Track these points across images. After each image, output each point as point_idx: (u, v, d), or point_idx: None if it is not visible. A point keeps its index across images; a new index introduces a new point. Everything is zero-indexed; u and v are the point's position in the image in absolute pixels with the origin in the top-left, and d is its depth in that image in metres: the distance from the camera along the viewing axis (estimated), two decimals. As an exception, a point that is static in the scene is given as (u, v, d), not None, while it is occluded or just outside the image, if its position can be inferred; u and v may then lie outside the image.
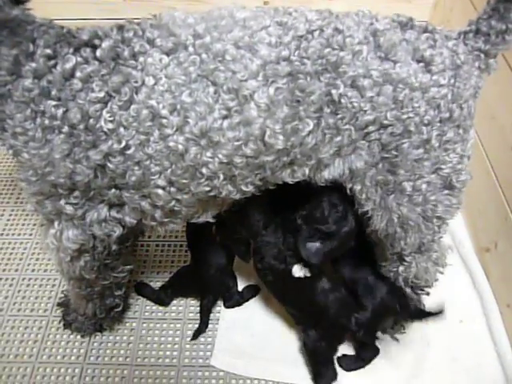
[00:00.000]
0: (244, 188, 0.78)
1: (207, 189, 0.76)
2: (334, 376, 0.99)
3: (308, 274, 0.93)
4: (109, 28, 0.71)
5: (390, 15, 0.75)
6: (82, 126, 0.68)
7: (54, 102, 0.67)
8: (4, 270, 1.18)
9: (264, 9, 0.73)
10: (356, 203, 0.83)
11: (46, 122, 0.67)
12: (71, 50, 0.68)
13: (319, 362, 1.00)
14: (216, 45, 0.68)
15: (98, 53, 0.68)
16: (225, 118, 0.69)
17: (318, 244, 0.88)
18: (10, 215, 1.32)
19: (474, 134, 0.79)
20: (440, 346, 1.05)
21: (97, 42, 0.69)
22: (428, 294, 1.00)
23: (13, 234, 1.27)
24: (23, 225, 1.29)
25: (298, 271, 0.93)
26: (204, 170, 0.72)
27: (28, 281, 1.17)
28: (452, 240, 1.23)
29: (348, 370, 1.01)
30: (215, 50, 0.68)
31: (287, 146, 0.72)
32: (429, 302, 1.00)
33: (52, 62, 0.68)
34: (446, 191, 0.79)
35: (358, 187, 0.79)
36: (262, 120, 0.69)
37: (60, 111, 0.67)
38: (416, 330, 1.05)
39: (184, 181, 0.73)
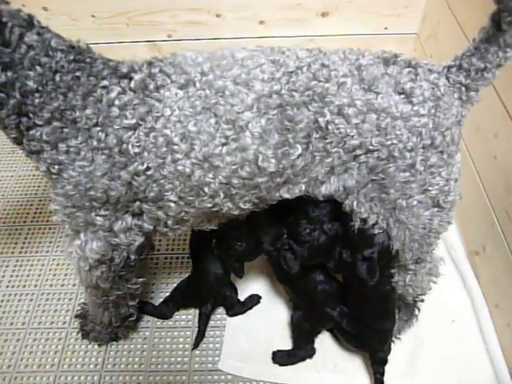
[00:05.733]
0: (242, 205, 0.86)
1: (210, 205, 0.84)
2: (312, 352, 1.08)
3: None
4: (141, 63, 0.79)
5: (377, 51, 0.80)
6: (116, 149, 0.76)
7: (99, 128, 0.75)
8: (24, 286, 1.25)
9: (262, 48, 0.81)
10: (356, 219, 0.86)
11: (95, 143, 0.75)
12: (116, 81, 0.76)
13: (300, 338, 1.08)
14: (218, 81, 0.76)
15: (132, 84, 0.76)
16: (224, 145, 0.77)
17: (292, 255, 0.96)
18: (27, 233, 1.37)
19: (461, 158, 0.81)
20: (433, 344, 1.10)
21: (133, 74, 0.77)
22: (423, 300, 1.07)
23: (30, 252, 1.33)
24: (40, 243, 1.35)
25: None
26: (206, 189, 0.81)
27: (47, 295, 1.23)
28: (444, 244, 1.27)
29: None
30: (217, 86, 0.76)
31: (279, 169, 0.79)
32: (423, 303, 1.07)
33: (104, 92, 0.75)
34: (436, 209, 0.83)
35: (354, 202, 0.84)
36: (255, 146, 0.77)
37: (103, 135, 0.75)
38: (410, 329, 1.11)
39: (190, 197, 0.82)
